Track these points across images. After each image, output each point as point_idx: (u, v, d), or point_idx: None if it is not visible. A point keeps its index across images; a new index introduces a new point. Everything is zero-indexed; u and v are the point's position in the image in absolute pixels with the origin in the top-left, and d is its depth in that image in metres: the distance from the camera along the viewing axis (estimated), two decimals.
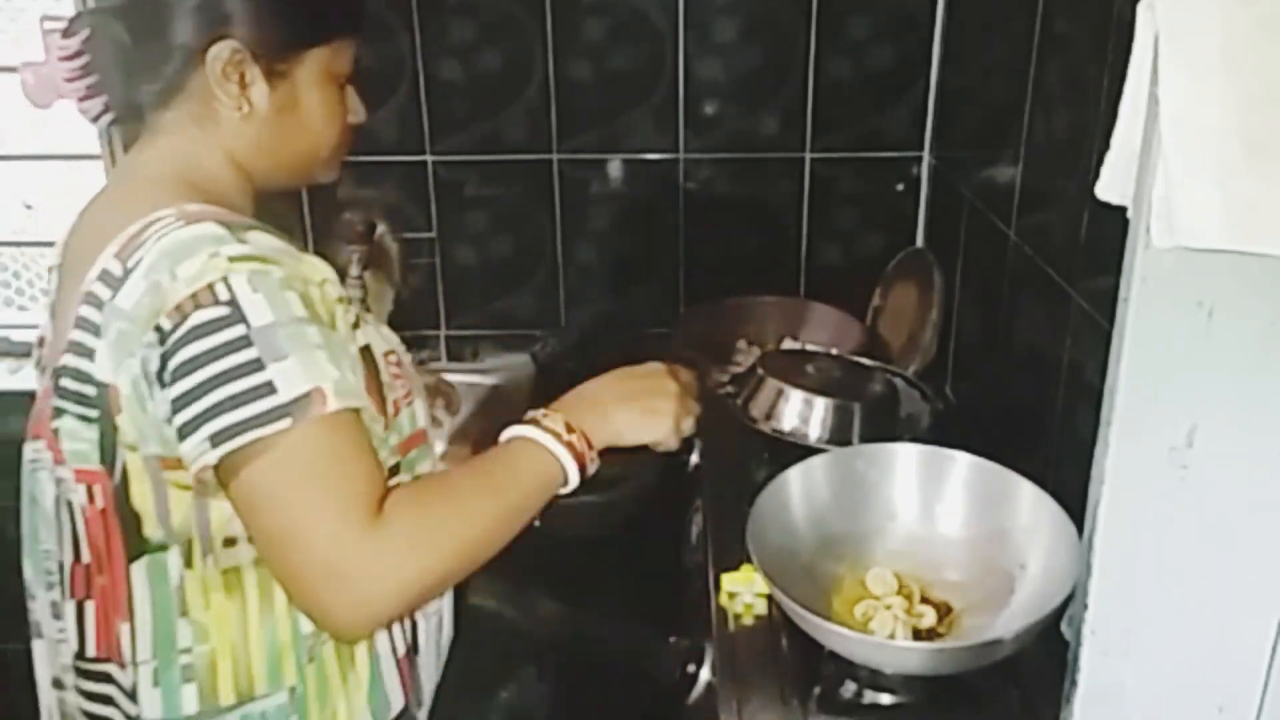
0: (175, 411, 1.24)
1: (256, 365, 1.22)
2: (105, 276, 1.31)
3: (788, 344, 2.77)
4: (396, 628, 1.52)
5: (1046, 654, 1.45)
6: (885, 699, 1.57)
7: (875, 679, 1.57)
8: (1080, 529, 1.29)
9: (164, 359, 1.24)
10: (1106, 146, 1.17)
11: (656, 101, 2.77)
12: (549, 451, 1.41)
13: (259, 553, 1.33)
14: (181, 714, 1.40)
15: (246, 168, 1.48)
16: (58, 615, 1.46)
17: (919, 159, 2.81)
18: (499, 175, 2.84)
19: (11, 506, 1.56)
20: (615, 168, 2.83)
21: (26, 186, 3.06)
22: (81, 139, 2.76)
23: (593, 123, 2.80)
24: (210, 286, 1.24)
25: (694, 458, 2.20)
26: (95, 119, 1.47)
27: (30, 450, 1.46)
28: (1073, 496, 1.43)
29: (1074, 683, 1.27)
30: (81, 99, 1.45)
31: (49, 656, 1.50)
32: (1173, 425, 1.17)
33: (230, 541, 1.37)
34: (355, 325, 1.40)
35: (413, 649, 1.56)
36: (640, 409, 1.52)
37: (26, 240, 3.08)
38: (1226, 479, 1.18)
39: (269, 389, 1.22)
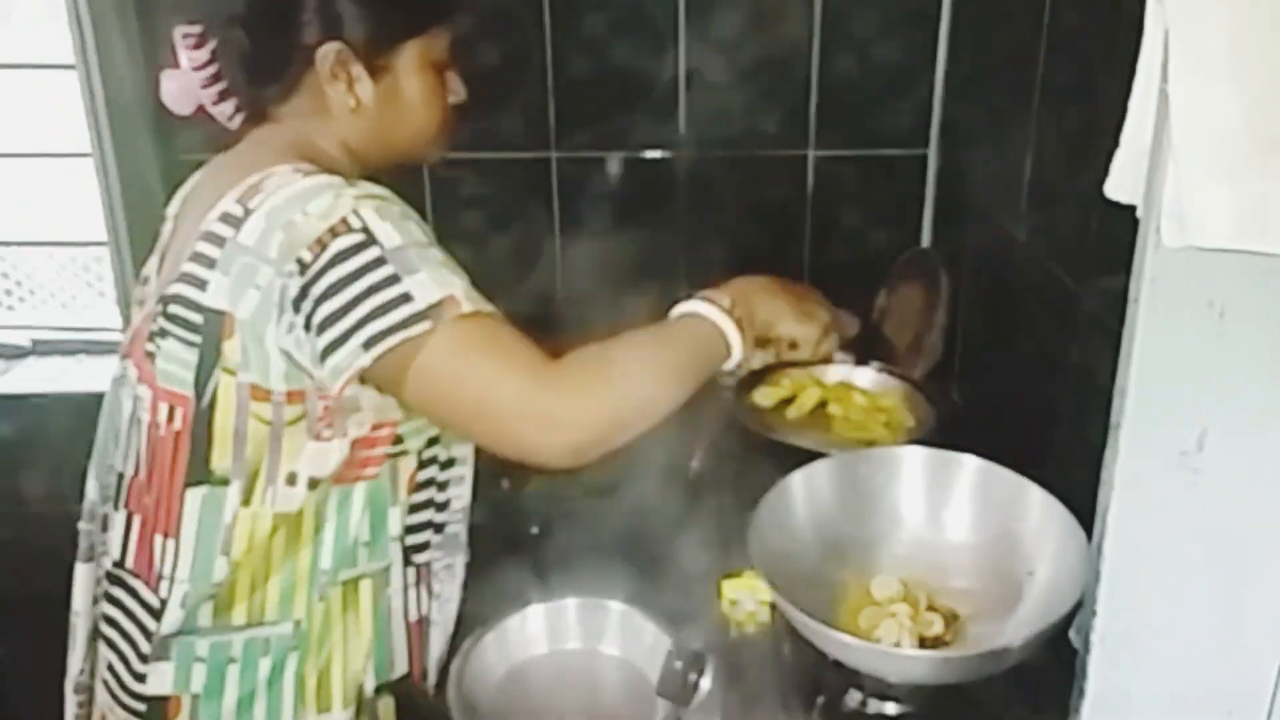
0: (323, 330, 1.40)
1: (394, 279, 1.39)
2: (226, 217, 1.47)
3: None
4: (413, 592, 1.65)
5: (1055, 662, 1.43)
6: (890, 708, 1.56)
7: (880, 688, 1.56)
8: (1089, 534, 1.28)
9: (305, 288, 1.40)
10: (1115, 145, 1.17)
11: (656, 97, 2.75)
12: (712, 322, 1.59)
13: (456, 435, 1.61)
14: (197, 624, 1.55)
15: (359, 153, 1.63)
16: (106, 528, 1.64)
17: (924, 156, 2.79)
18: (496, 173, 2.82)
19: (12, 512, 1.60)
20: (615, 165, 2.81)
21: (17, 185, 3.05)
22: (72, 138, 2.76)
23: (592, 120, 2.78)
24: (344, 219, 1.41)
25: (695, 463, 2.19)
26: (229, 119, 1.65)
27: (119, 367, 1.63)
28: (1082, 501, 1.42)
29: (1082, 691, 1.28)
30: (215, 103, 1.64)
31: (89, 579, 1.66)
32: (1183, 429, 1.16)
33: (291, 479, 1.52)
34: None
35: (425, 618, 1.69)
36: (799, 307, 1.75)
37: (16, 240, 3.06)
38: (1238, 483, 1.18)
39: (406, 299, 1.38)
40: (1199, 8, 1.02)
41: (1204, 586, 1.22)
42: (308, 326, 1.41)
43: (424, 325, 1.38)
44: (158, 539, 1.54)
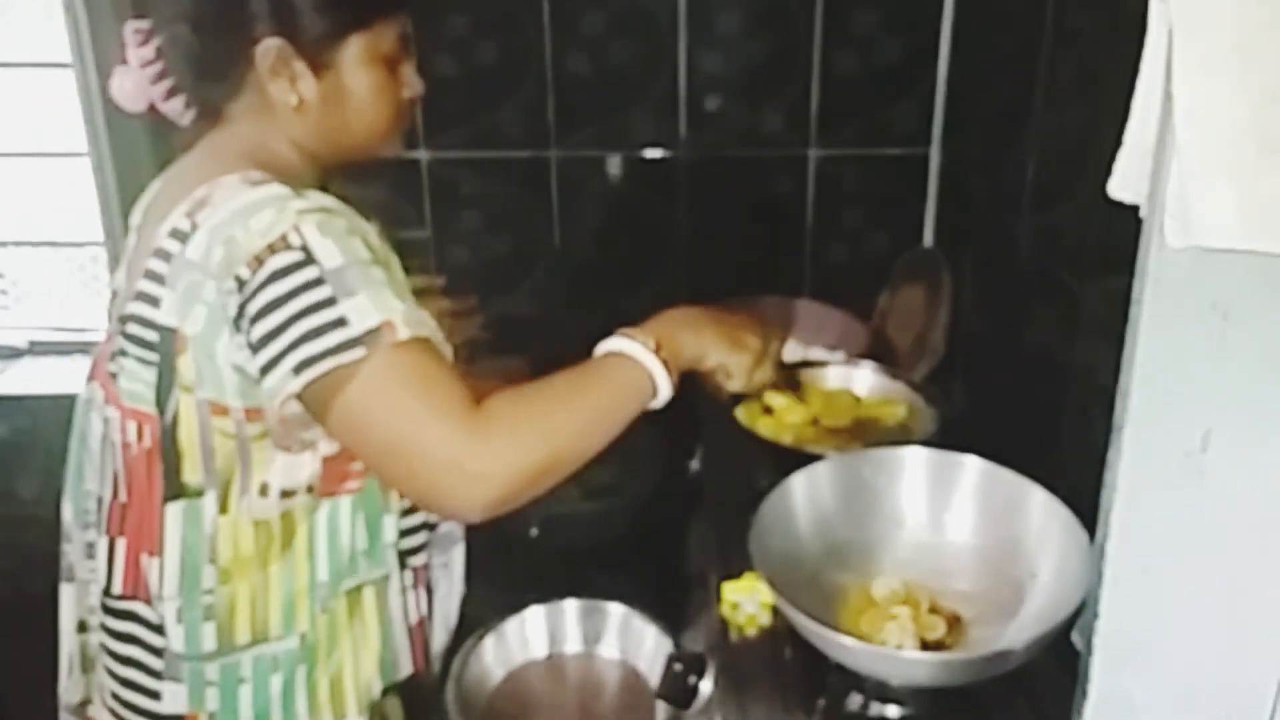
0: (257, 351, 1.37)
1: (329, 302, 1.35)
2: (175, 233, 1.44)
3: (791, 346, 2.74)
4: (412, 594, 1.64)
5: (1057, 665, 1.43)
6: (892, 711, 1.55)
7: (882, 691, 1.55)
8: (1092, 536, 1.28)
9: (242, 305, 1.37)
10: (1119, 144, 1.16)
11: (657, 97, 2.76)
12: (637, 361, 1.53)
13: (372, 471, 1.52)
14: (201, 650, 1.53)
15: (311, 152, 1.58)
16: (91, 555, 1.59)
17: (927, 156, 2.79)
18: (495, 173, 2.83)
19: (6, 514, 1.59)
20: (614, 165, 2.82)
21: (12, 184, 3.05)
22: (68, 138, 2.76)
23: (591, 119, 2.79)
24: (284, 236, 1.37)
25: (695, 464, 2.19)
26: (180, 116, 1.62)
27: (86, 390, 1.59)
28: (1084, 503, 1.42)
29: (1085, 694, 1.26)
30: (164, 100, 1.60)
31: (77, 599, 1.65)
32: (1187, 429, 1.15)
33: (263, 490, 1.50)
34: None
35: (429, 616, 1.68)
36: (730, 337, 1.68)
37: (11, 240, 3.07)
38: (1242, 484, 1.17)
39: (341, 323, 1.35)
40: (1203, 6, 1.01)
41: (1207, 589, 1.20)
42: (248, 345, 1.39)
43: (357, 352, 1.35)
44: (144, 559, 1.52)
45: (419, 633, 1.67)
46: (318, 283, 1.36)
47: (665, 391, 1.54)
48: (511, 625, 1.74)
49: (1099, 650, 1.23)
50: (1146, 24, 1.06)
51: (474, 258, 2.90)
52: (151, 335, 1.44)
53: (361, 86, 1.55)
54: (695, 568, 1.97)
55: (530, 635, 1.80)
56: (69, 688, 1.67)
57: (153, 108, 1.61)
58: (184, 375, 1.44)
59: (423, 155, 2.80)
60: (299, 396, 1.39)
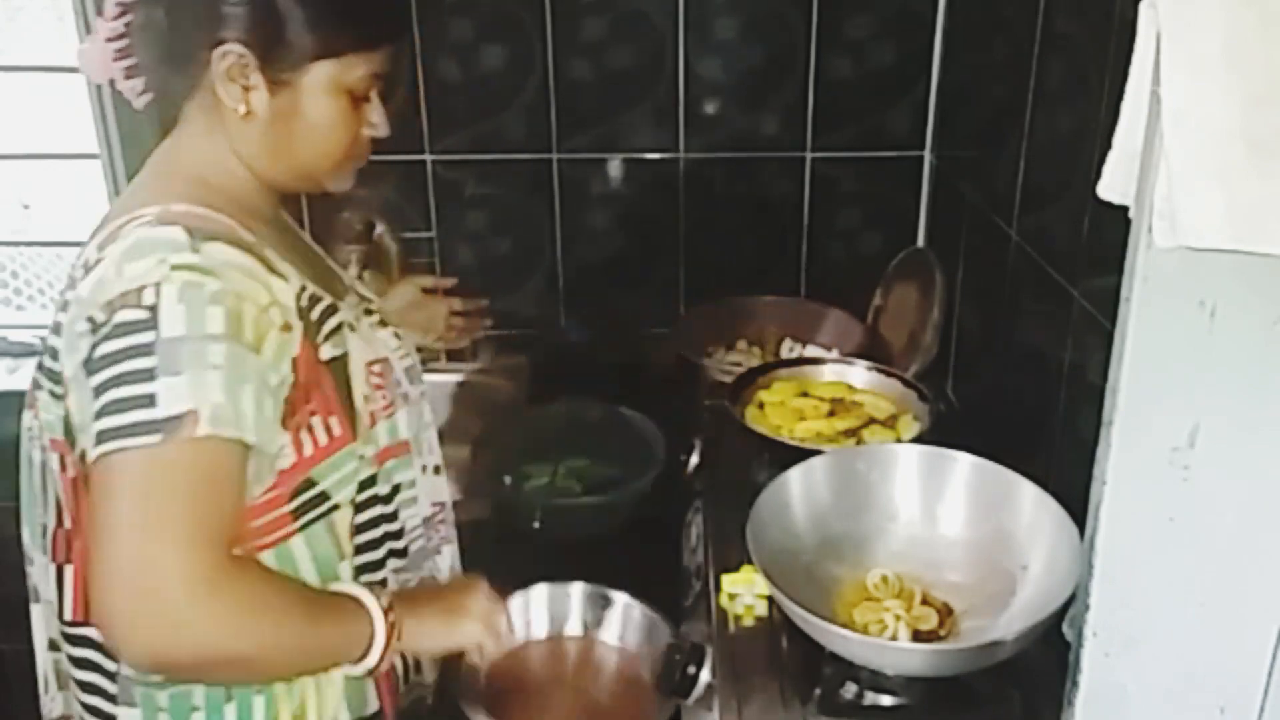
0: (93, 401, 1.28)
1: (149, 375, 1.26)
2: (85, 263, 1.40)
3: (788, 344, 2.76)
4: None
5: (1048, 655, 1.45)
6: (886, 700, 1.57)
7: (876, 680, 1.57)
8: (1082, 530, 1.29)
9: (91, 349, 1.30)
10: (1108, 146, 1.18)
11: (656, 100, 2.76)
12: (372, 627, 1.44)
13: (88, 541, 1.35)
14: (149, 678, 1.45)
15: (253, 167, 1.50)
16: (50, 579, 1.52)
17: (920, 158, 2.81)
18: (498, 175, 2.83)
19: (8, 507, 1.58)
20: (615, 167, 2.82)
21: (25, 186, 3.06)
22: (80, 139, 2.76)
23: (592, 122, 2.79)
24: (140, 290, 1.29)
25: (694, 458, 2.20)
26: (137, 97, 1.54)
27: (27, 417, 1.51)
28: (1074, 497, 1.43)
29: (1075, 684, 1.28)
30: (125, 78, 1.52)
31: (45, 619, 1.56)
32: (1174, 425, 1.17)
33: None
34: (331, 335, 1.46)
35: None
36: (446, 614, 1.57)
37: (24, 240, 3.07)
38: (1228, 479, 1.19)
39: (150, 401, 1.25)
40: (1192, 10, 1.03)
41: (1195, 580, 1.22)
42: (91, 391, 1.30)
43: (153, 438, 1.24)
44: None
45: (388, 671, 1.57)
46: (146, 351, 1.27)
47: (373, 662, 1.44)
48: (516, 603, 1.74)
49: (1089, 641, 1.25)
50: (1135, 28, 1.08)
51: (477, 258, 2.91)
52: (57, 367, 1.40)
53: (316, 113, 1.47)
54: (694, 560, 1.97)
55: (533, 615, 1.81)
56: (47, 704, 1.61)
57: (113, 82, 1.53)
58: (72, 416, 1.38)
59: (427, 157, 2.80)
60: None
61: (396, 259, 2.71)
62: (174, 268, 1.30)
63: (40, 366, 1.45)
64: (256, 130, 1.47)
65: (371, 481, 1.53)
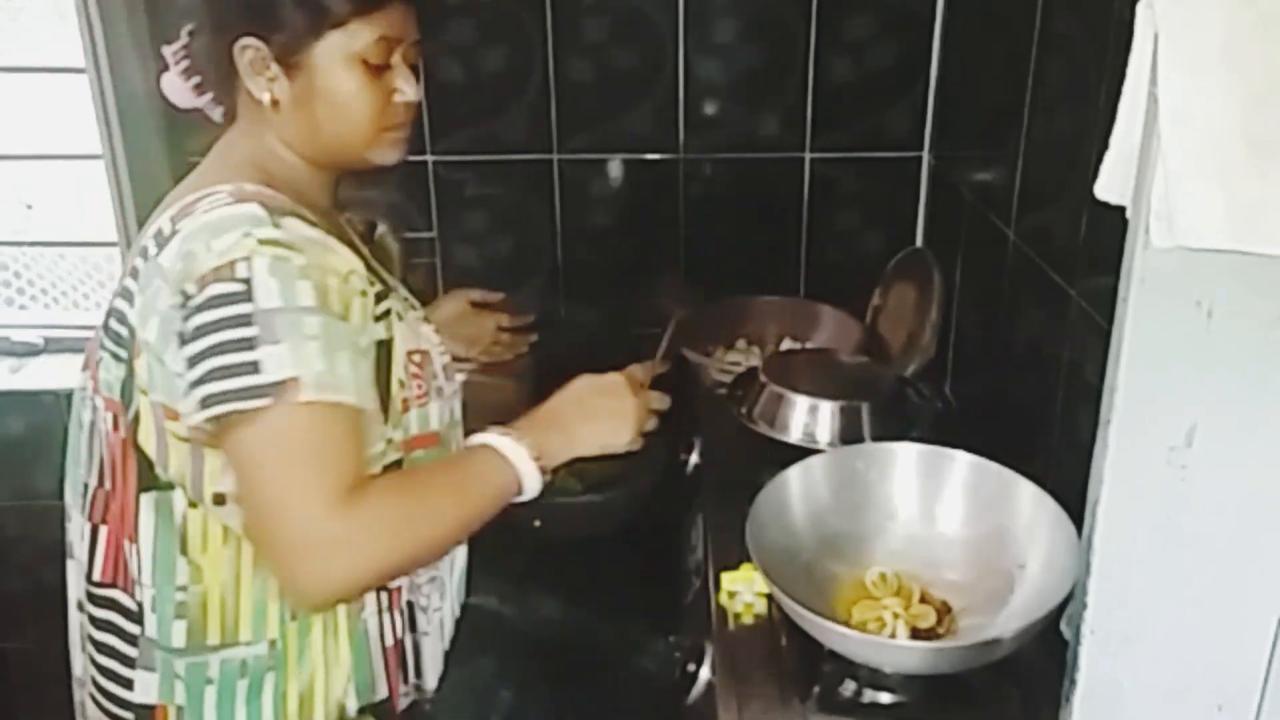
0: (188, 369, 1.36)
1: (250, 344, 1.33)
2: (158, 235, 1.45)
3: (787, 344, 2.76)
4: (388, 616, 1.63)
5: (1046, 653, 1.45)
6: (885, 698, 1.57)
7: (875, 678, 1.57)
8: (1079, 528, 1.29)
9: (185, 320, 1.36)
10: (1106, 146, 1.17)
11: (656, 101, 2.76)
12: (514, 467, 1.52)
13: (242, 511, 1.45)
14: (171, 644, 1.53)
15: (303, 155, 1.58)
16: (84, 537, 1.59)
17: (919, 159, 2.81)
18: (499, 175, 2.84)
19: (11, 506, 1.59)
20: (615, 168, 2.83)
21: (27, 187, 3.06)
22: (82, 139, 2.77)
23: (593, 122, 2.79)
24: (233, 264, 1.35)
25: (694, 457, 2.21)
26: (213, 112, 1.63)
27: (81, 378, 1.58)
28: (1072, 496, 1.44)
29: (1073, 682, 1.27)
30: (198, 96, 1.62)
31: (76, 577, 1.63)
32: (1172, 425, 1.16)
33: (219, 499, 1.48)
34: (380, 319, 1.51)
35: (402, 641, 1.65)
36: (603, 423, 1.65)
37: (26, 240, 3.08)
38: (1226, 479, 1.18)
39: (253, 368, 1.33)
40: (1190, 10, 1.02)
41: (1193, 579, 1.22)
42: (183, 360, 1.37)
43: (262, 401, 1.32)
44: (125, 545, 1.53)
45: (394, 655, 1.65)
46: (246, 321, 1.33)
47: (531, 489, 1.55)
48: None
49: (1087, 639, 1.24)
50: (1133, 28, 1.08)
51: (478, 258, 2.91)
52: (124, 331, 1.46)
53: (334, 88, 1.51)
54: (693, 558, 1.97)
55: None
56: (79, 662, 1.67)
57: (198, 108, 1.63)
58: (140, 377, 1.44)
59: (428, 158, 2.80)
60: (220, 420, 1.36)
61: (398, 259, 2.70)
62: (261, 242, 1.37)
63: (105, 328, 1.50)
64: (289, 117, 1.54)
65: (397, 466, 1.56)
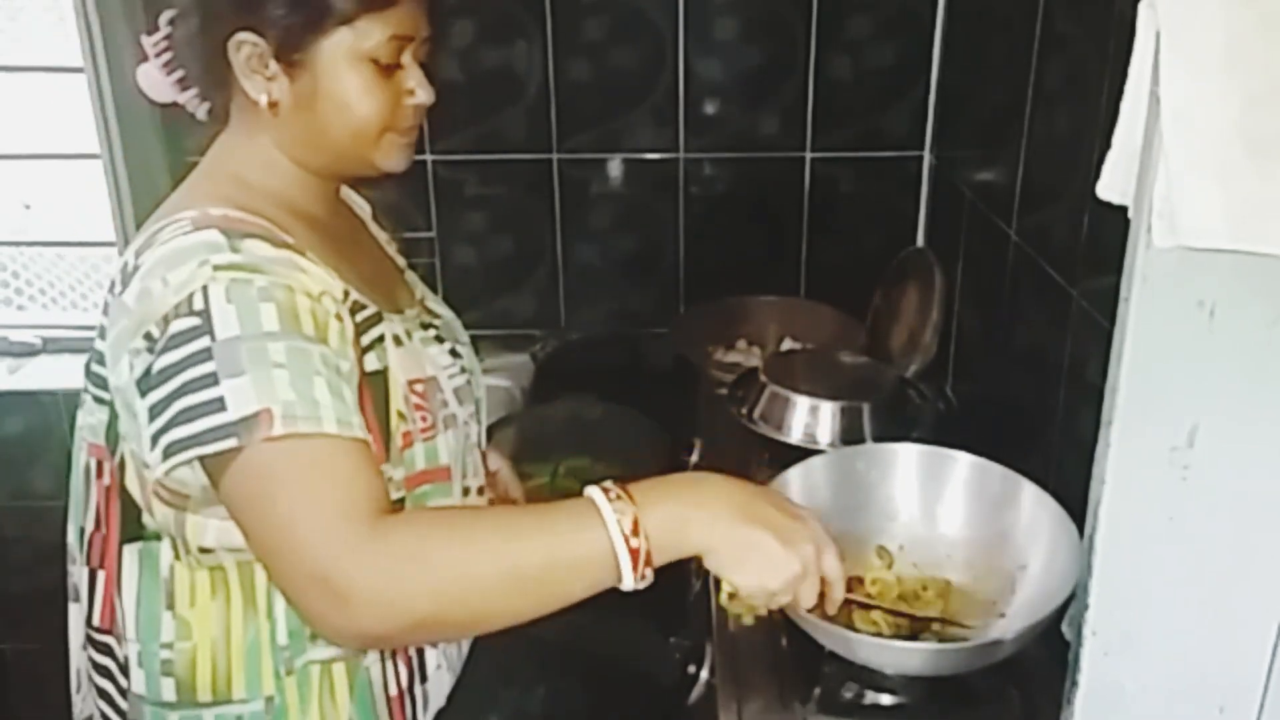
0: (150, 420, 1.25)
1: (212, 380, 1.21)
2: (124, 268, 1.35)
3: (787, 344, 2.76)
4: (390, 665, 1.50)
5: (1047, 654, 1.45)
6: (886, 699, 1.57)
7: (876, 680, 1.57)
8: (1081, 529, 1.29)
9: (149, 365, 1.25)
10: (1107, 146, 1.17)
11: (656, 101, 2.77)
12: (604, 527, 1.21)
13: (255, 551, 1.29)
14: (161, 699, 1.44)
15: (300, 160, 1.46)
16: (83, 581, 1.49)
17: (920, 158, 2.81)
18: (499, 175, 2.84)
19: (11, 506, 1.58)
20: (615, 167, 2.83)
21: (25, 187, 3.06)
22: (81, 139, 2.77)
23: (592, 122, 2.80)
24: (190, 297, 1.25)
25: (694, 458, 2.20)
26: (196, 109, 1.52)
27: (80, 416, 1.47)
28: (1074, 496, 1.43)
29: (1075, 683, 1.27)
30: (180, 92, 1.50)
31: (78, 620, 1.53)
32: (1174, 425, 1.16)
33: (206, 550, 1.38)
34: (370, 347, 1.40)
35: (410, 689, 1.54)
36: (756, 543, 1.27)
37: (25, 240, 3.08)
38: (1228, 479, 1.18)
39: (219, 405, 1.20)
40: (1191, 10, 1.02)
41: (1195, 580, 1.21)
42: (146, 410, 1.26)
43: (229, 442, 1.19)
44: (114, 595, 1.44)
45: (399, 705, 1.52)
46: (205, 356, 1.22)
47: (630, 581, 1.22)
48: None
49: (1088, 640, 1.24)
50: (1135, 28, 1.07)
51: (477, 258, 2.91)
52: (102, 371, 1.37)
53: (340, 89, 1.40)
54: (694, 558, 1.97)
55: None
56: (78, 703, 1.59)
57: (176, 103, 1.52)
58: (120, 422, 1.36)
59: (428, 157, 2.81)
60: (205, 467, 1.26)
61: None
62: (216, 268, 1.26)
63: (87, 369, 1.42)
64: (288, 120, 1.42)
65: (399, 506, 1.43)
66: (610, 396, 2.60)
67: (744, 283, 2.86)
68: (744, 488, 1.32)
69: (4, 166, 3.03)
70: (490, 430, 2.51)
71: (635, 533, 1.21)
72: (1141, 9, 1.06)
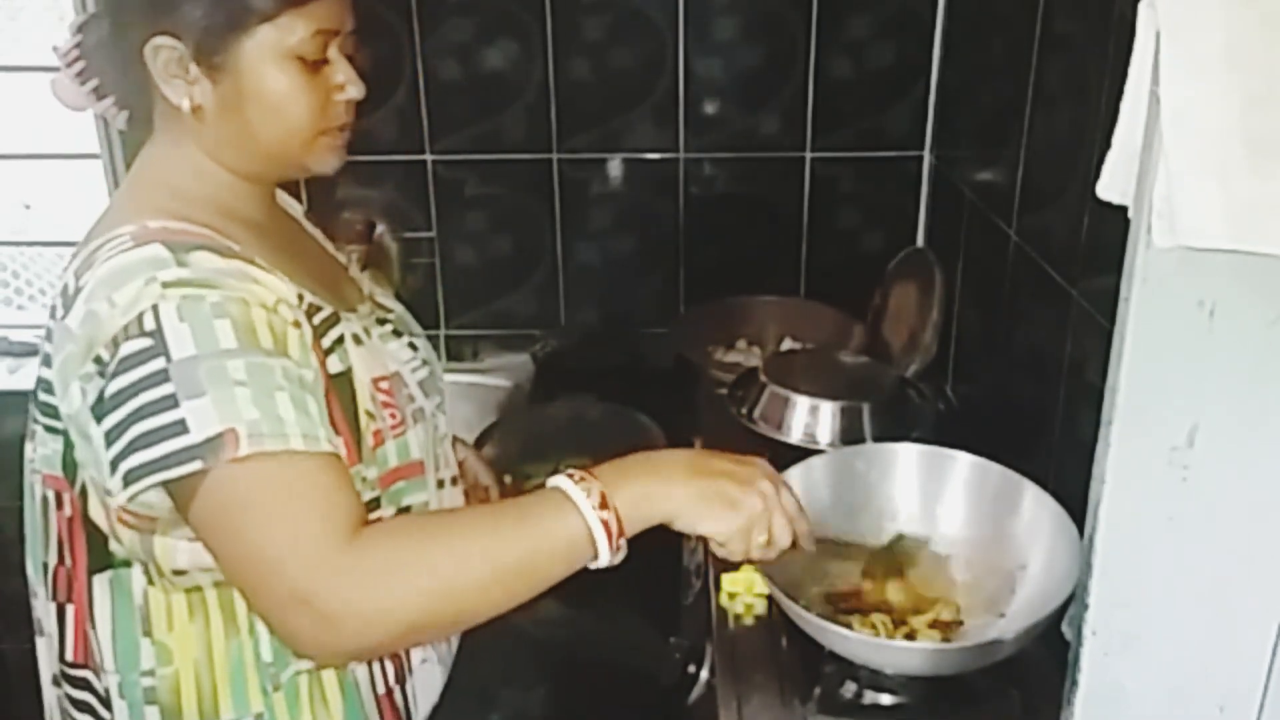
0: (106, 446, 1.22)
1: (171, 402, 1.18)
2: (64, 291, 1.32)
3: (787, 344, 2.76)
4: (376, 666, 1.49)
5: (1047, 654, 1.45)
6: (885, 699, 1.57)
7: (875, 679, 1.57)
8: (1081, 529, 1.29)
9: (101, 390, 1.22)
10: (1107, 146, 1.17)
11: (656, 101, 2.77)
12: (577, 509, 1.24)
13: (227, 574, 1.28)
14: None
15: (224, 163, 1.41)
16: (50, 615, 1.45)
17: (920, 158, 2.81)
18: (499, 174, 2.84)
19: (12, 506, 1.57)
20: (615, 167, 2.83)
21: (25, 186, 3.06)
22: (81, 139, 2.77)
23: (593, 122, 2.80)
24: (140, 316, 1.21)
25: None
26: (116, 118, 1.47)
27: (28, 449, 1.43)
28: (1074, 496, 1.43)
29: (1075, 683, 1.27)
30: (96, 101, 1.45)
31: (49, 654, 1.48)
32: (1174, 425, 1.16)
33: (180, 572, 1.35)
34: (332, 349, 1.38)
35: (400, 683, 1.53)
36: (714, 492, 1.32)
37: (25, 240, 3.08)
38: (1227, 479, 1.18)
39: (181, 428, 1.18)
40: (1191, 10, 1.02)
41: (1195, 580, 1.21)
42: (103, 436, 1.23)
43: (193, 465, 1.17)
44: (87, 627, 1.40)
45: (388, 703, 1.51)
46: (162, 378, 1.19)
47: (606, 555, 1.25)
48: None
49: (1088, 640, 1.24)
50: (1135, 28, 1.07)
51: (477, 257, 2.91)
52: (52, 400, 1.32)
53: (266, 90, 1.34)
54: (694, 559, 1.97)
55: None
56: None
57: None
58: (77, 450, 1.31)
59: (428, 157, 2.81)
60: (170, 492, 1.23)
61: (397, 259, 2.71)
62: (165, 285, 1.22)
63: (35, 398, 1.38)
64: (214, 125, 1.37)
65: (375, 505, 1.42)
66: (610, 396, 2.60)
67: (744, 283, 2.86)
68: (692, 451, 1.42)
69: (4, 166, 3.03)
70: (490, 430, 2.53)
71: (605, 506, 1.24)
72: (1141, 9, 1.06)
